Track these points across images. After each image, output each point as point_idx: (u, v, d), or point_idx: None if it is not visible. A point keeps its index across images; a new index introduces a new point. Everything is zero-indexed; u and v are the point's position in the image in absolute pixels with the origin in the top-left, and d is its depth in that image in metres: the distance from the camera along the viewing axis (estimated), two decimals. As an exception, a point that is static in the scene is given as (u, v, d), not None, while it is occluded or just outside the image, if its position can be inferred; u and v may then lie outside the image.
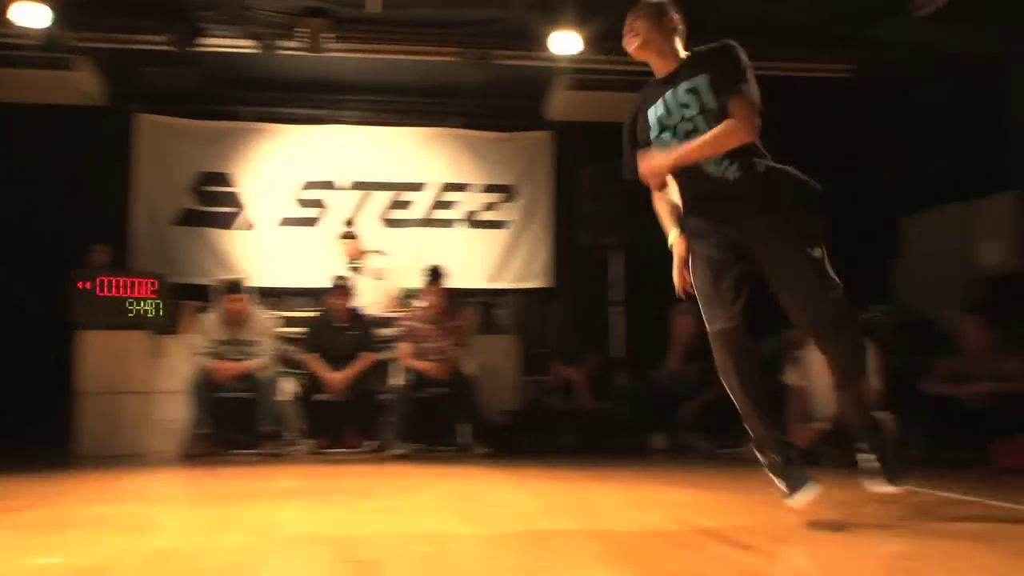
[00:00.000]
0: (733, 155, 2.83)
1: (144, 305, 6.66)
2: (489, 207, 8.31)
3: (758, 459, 2.81)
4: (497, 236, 8.30)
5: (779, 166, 2.90)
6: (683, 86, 2.90)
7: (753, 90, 2.85)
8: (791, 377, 5.75)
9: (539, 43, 6.72)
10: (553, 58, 6.89)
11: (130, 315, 6.62)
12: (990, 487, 3.86)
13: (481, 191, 8.31)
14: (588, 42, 6.64)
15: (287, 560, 2.22)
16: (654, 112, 2.99)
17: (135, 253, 7.61)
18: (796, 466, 2.76)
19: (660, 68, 3.01)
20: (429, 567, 2.12)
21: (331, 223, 7.99)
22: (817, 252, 2.79)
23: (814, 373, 5.56)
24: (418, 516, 2.98)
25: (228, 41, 6.67)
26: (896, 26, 6.44)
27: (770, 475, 2.81)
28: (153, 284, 6.75)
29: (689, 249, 2.98)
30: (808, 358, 5.60)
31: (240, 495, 3.81)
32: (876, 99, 7.91)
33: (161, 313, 6.73)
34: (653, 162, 2.89)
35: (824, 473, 4.64)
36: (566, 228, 8.25)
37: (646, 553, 2.31)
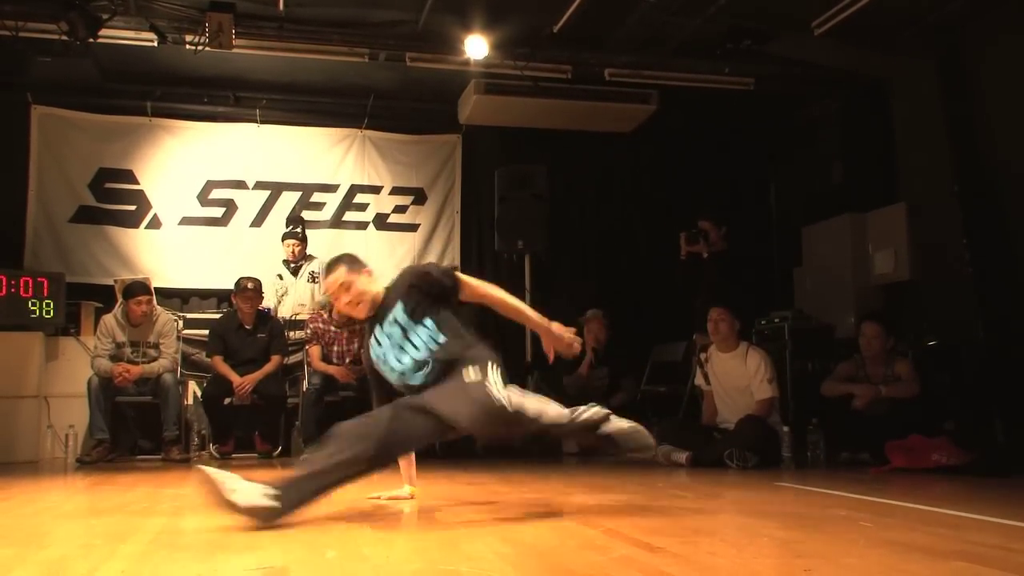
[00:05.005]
0: None
1: (40, 305, 6.43)
2: (399, 210, 8.28)
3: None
4: (407, 239, 8.26)
5: None
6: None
7: None
8: (698, 380, 5.89)
9: (450, 47, 6.72)
10: (464, 62, 6.89)
11: (25, 315, 6.39)
12: (872, 485, 4.02)
13: (391, 194, 8.27)
14: (496, 47, 6.67)
15: (191, 569, 2.17)
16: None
17: (31, 251, 7.33)
18: None
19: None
20: (336, 572, 2.10)
21: (239, 223, 7.86)
22: None
23: (718, 377, 5.70)
24: (325, 521, 2.95)
25: (129, 33, 6.47)
26: (794, 43, 6.68)
27: None
28: (49, 283, 6.52)
29: None
30: (712, 363, 5.74)
31: (141, 503, 3.71)
32: (775, 112, 8.17)
33: (57, 313, 6.51)
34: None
35: (728, 475, 4.79)
36: (475, 232, 8.28)
37: (553, 555, 2.33)
